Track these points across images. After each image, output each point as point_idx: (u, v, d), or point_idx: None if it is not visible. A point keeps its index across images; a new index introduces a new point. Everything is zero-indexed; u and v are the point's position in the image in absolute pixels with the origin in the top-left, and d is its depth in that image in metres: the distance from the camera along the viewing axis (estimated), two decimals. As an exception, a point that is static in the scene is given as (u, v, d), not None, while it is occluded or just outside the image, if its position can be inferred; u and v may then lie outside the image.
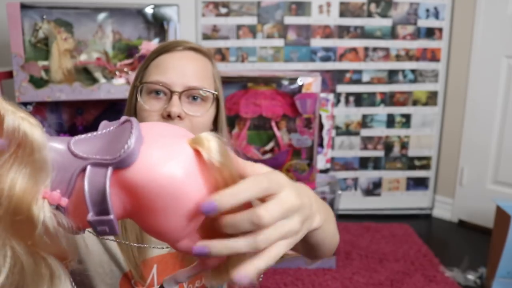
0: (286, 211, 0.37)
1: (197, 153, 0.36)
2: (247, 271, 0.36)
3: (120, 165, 0.34)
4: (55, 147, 0.35)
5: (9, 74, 1.81)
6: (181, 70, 0.77)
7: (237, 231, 0.36)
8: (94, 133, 0.37)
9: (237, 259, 0.38)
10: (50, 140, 0.35)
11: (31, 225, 0.32)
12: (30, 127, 0.33)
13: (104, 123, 0.39)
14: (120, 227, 0.80)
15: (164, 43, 0.82)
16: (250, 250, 0.37)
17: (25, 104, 1.82)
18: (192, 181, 0.35)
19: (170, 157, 0.35)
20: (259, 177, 0.37)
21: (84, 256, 0.79)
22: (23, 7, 1.76)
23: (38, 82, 1.80)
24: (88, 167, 0.34)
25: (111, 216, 0.34)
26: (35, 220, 0.32)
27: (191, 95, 0.77)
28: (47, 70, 1.82)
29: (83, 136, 0.37)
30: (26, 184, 0.32)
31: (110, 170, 0.34)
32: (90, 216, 0.34)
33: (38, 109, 1.88)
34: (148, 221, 0.37)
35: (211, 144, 0.36)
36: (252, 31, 2.34)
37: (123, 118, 0.38)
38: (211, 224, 0.37)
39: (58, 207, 0.34)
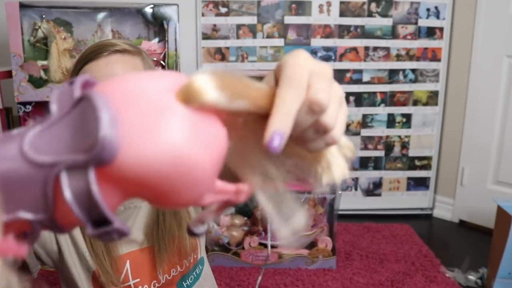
0: (329, 81, 0.34)
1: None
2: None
3: (100, 163, 0.27)
4: (5, 162, 0.27)
5: (8, 74, 1.81)
6: (108, 79, 0.75)
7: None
8: (51, 119, 0.29)
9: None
10: None
11: None
12: None
13: (57, 95, 0.31)
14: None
15: (88, 48, 0.78)
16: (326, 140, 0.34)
17: (24, 104, 1.82)
18: (198, 144, 0.29)
19: (160, 131, 0.28)
20: (291, 79, 0.32)
21: (60, 244, 0.80)
22: (22, 6, 1.76)
23: (37, 82, 1.79)
24: (63, 175, 0.27)
25: (114, 225, 0.28)
26: None
27: None
28: (46, 69, 1.82)
29: (37, 129, 0.29)
30: None
31: (91, 173, 0.27)
32: (90, 231, 0.29)
33: (37, 109, 1.87)
34: (156, 201, 0.32)
35: (202, 88, 0.29)
36: (252, 30, 2.33)
37: (77, 92, 0.30)
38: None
39: (25, 233, 0.29)
